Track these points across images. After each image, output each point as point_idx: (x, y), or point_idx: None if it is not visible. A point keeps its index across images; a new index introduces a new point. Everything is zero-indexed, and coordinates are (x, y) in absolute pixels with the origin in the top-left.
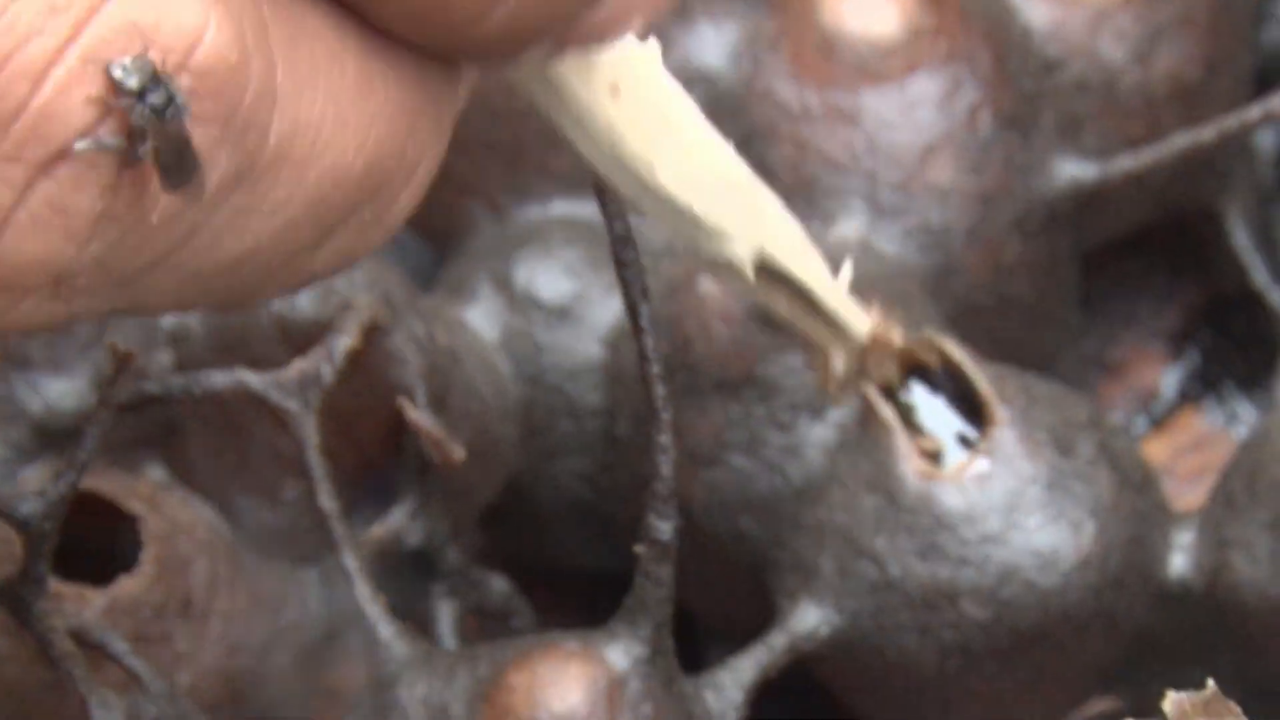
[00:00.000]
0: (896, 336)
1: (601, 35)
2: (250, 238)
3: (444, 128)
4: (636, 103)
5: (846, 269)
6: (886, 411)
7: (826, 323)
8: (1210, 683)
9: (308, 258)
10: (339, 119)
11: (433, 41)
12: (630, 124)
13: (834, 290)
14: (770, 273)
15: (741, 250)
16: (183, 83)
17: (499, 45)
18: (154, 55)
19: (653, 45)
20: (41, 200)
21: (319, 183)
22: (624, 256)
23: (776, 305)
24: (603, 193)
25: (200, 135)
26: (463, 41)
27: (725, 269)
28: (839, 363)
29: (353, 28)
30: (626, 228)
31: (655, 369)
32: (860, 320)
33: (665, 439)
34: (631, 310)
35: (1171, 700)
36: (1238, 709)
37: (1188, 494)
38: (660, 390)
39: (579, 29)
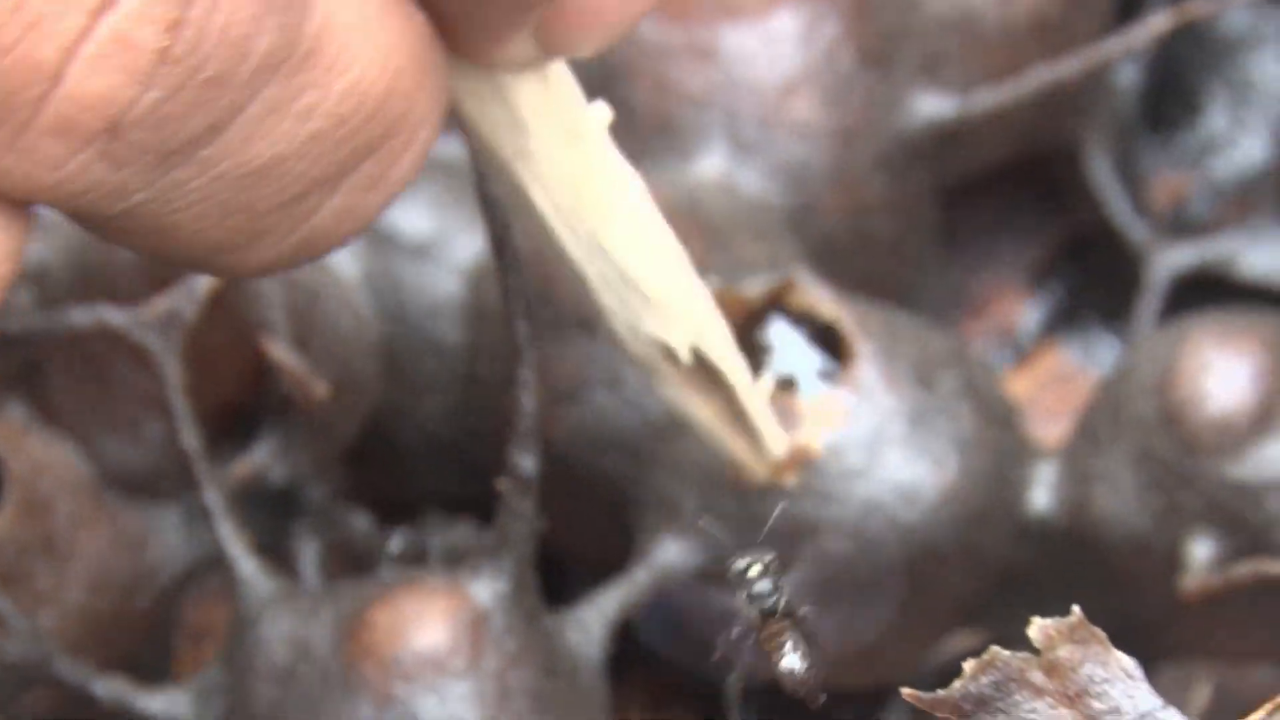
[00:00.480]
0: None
1: (583, 33)
2: (279, 142)
3: (442, 102)
4: (593, 153)
5: (766, 380)
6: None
7: (744, 430)
8: (1076, 609)
9: (318, 202)
10: (366, 35)
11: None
12: (585, 174)
13: (757, 398)
14: (703, 365)
15: (680, 334)
16: None
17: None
18: None
19: (602, 108)
20: (108, 32)
21: (344, 97)
22: (485, 190)
23: (691, 405)
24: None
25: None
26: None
27: (649, 355)
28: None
29: None
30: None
31: (518, 305)
32: (777, 436)
33: (528, 374)
34: (496, 245)
35: (1038, 627)
36: (1103, 635)
37: (1050, 429)
38: (523, 326)
39: (562, 23)
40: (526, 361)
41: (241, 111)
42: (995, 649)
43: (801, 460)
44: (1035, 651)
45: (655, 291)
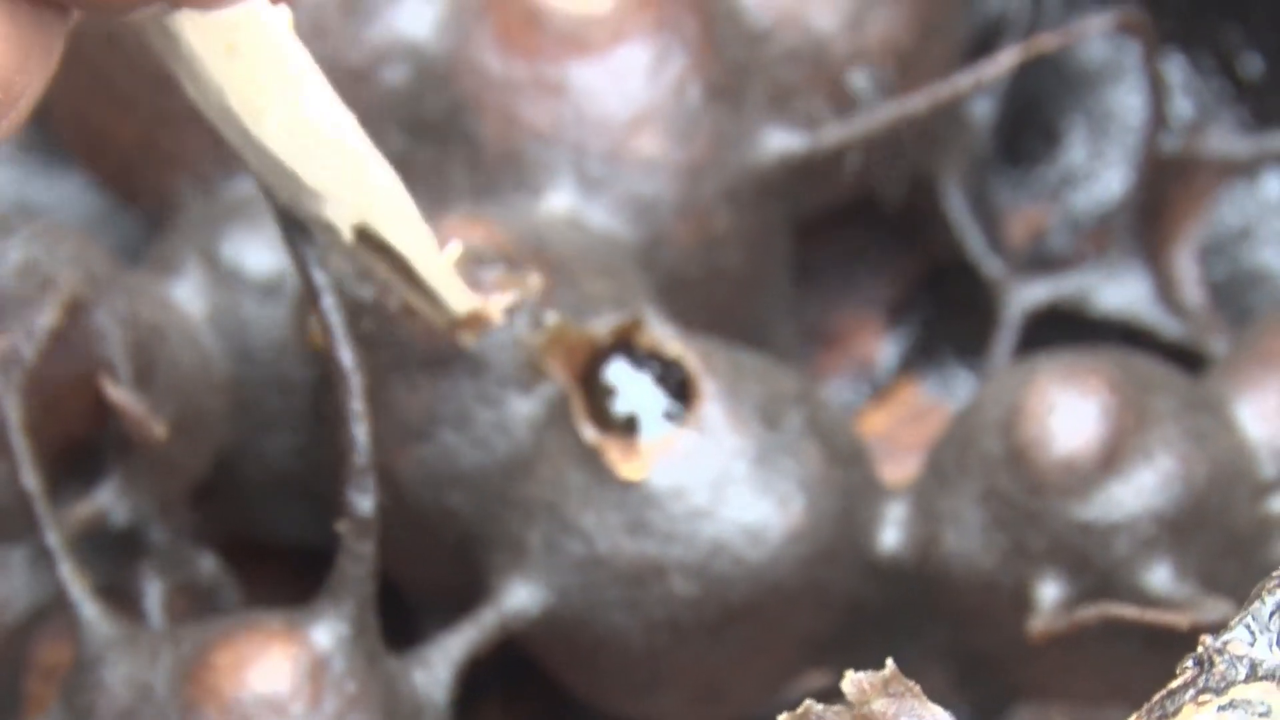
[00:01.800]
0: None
1: (216, 3)
2: None
3: (51, 60)
4: (251, 62)
5: (454, 246)
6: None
7: (424, 295)
8: (889, 662)
9: None
10: None
11: None
12: (241, 81)
13: (437, 266)
14: (371, 240)
15: (338, 213)
16: None
17: (111, 4)
18: None
19: (282, 10)
20: None
21: None
22: (284, 221)
23: (376, 270)
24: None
25: None
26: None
27: (317, 227)
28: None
29: None
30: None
31: (336, 333)
32: (462, 297)
33: (357, 405)
34: (302, 276)
35: (850, 680)
36: (917, 687)
37: (909, 465)
38: (345, 354)
39: None
40: (354, 391)
41: None
42: (809, 702)
43: (479, 325)
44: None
45: (312, 181)
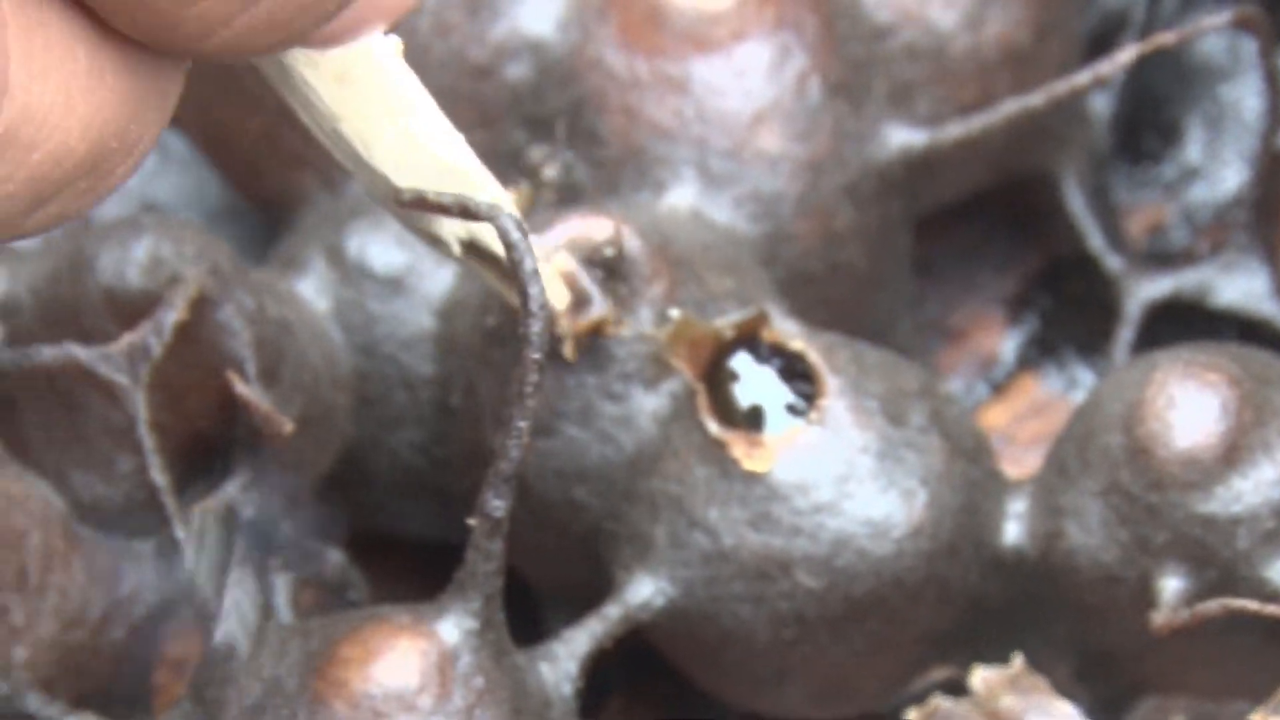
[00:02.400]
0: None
1: (333, 42)
2: None
3: (167, 107)
4: (362, 90)
5: (561, 256)
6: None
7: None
8: (1018, 657)
9: (20, 221)
10: (68, 106)
11: (161, 48)
12: (353, 108)
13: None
14: (478, 251)
15: (448, 229)
16: None
17: (225, 57)
18: None
19: (392, 40)
20: None
21: (40, 163)
22: (509, 238)
23: (486, 277)
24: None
25: None
26: (190, 53)
27: (432, 241)
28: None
29: (87, 24)
30: (515, 220)
31: (535, 354)
32: (564, 303)
33: (523, 424)
34: (521, 294)
35: (979, 677)
36: (1044, 683)
37: (1029, 460)
38: (534, 376)
39: (310, 39)
40: (524, 410)
41: None
42: (938, 699)
43: (584, 334)
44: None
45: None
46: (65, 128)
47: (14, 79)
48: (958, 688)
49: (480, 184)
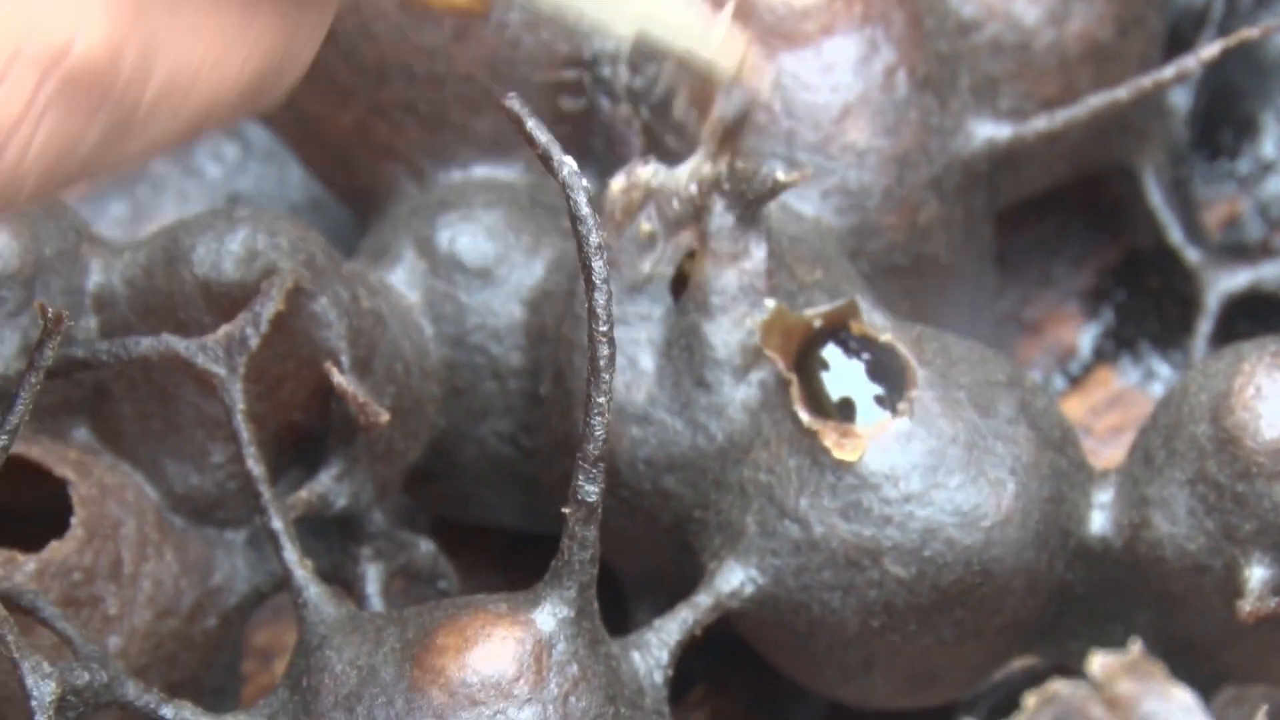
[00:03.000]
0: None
1: None
2: (132, 151)
3: (320, 31)
4: None
5: (723, 19)
6: (788, 376)
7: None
8: (1136, 643)
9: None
10: (222, 56)
11: None
12: None
13: (710, 47)
14: (648, 43)
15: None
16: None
17: None
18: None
19: None
20: None
21: (196, 109)
22: (579, 212)
23: (659, 69)
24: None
25: (70, 120)
26: None
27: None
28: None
29: None
30: (582, 184)
31: (603, 327)
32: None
33: (603, 400)
34: (584, 265)
35: (1098, 663)
36: (1163, 669)
37: (1105, 451)
38: (605, 351)
39: None
40: (601, 387)
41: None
42: (1056, 683)
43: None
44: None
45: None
46: (219, 75)
47: (163, 44)
48: (1039, 677)
49: None
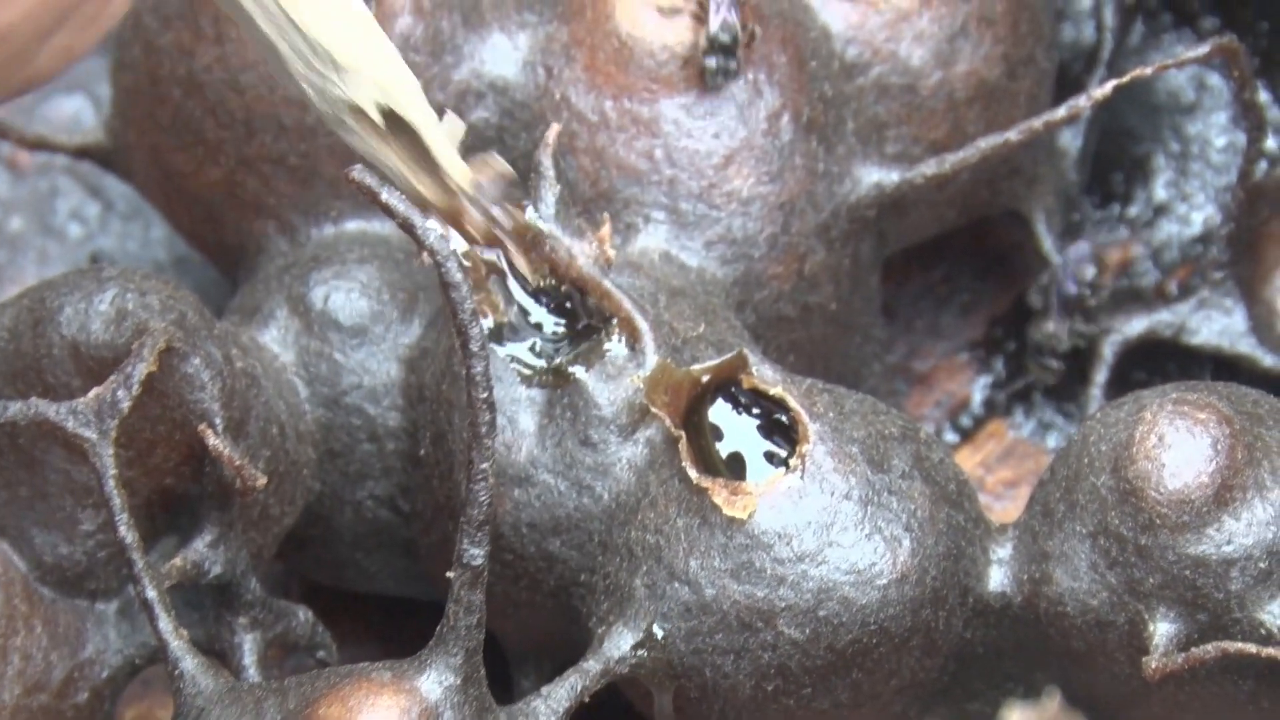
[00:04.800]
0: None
1: None
2: (12, 10)
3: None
4: None
5: (451, 119)
6: (677, 435)
7: (431, 172)
8: (1054, 694)
9: (33, 51)
10: None
11: None
12: None
13: (444, 142)
14: (393, 119)
15: (366, 92)
16: None
17: None
18: None
19: None
20: None
21: None
22: (450, 279)
23: (385, 156)
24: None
25: None
26: None
27: (337, 114)
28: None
29: None
30: (450, 249)
31: (483, 394)
32: (462, 172)
33: (486, 465)
34: (459, 331)
35: (1016, 715)
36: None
37: (1000, 506)
38: (486, 414)
39: None
40: (483, 451)
41: None
42: None
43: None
44: None
45: (344, 58)
46: None
47: None
48: None
49: (386, 45)
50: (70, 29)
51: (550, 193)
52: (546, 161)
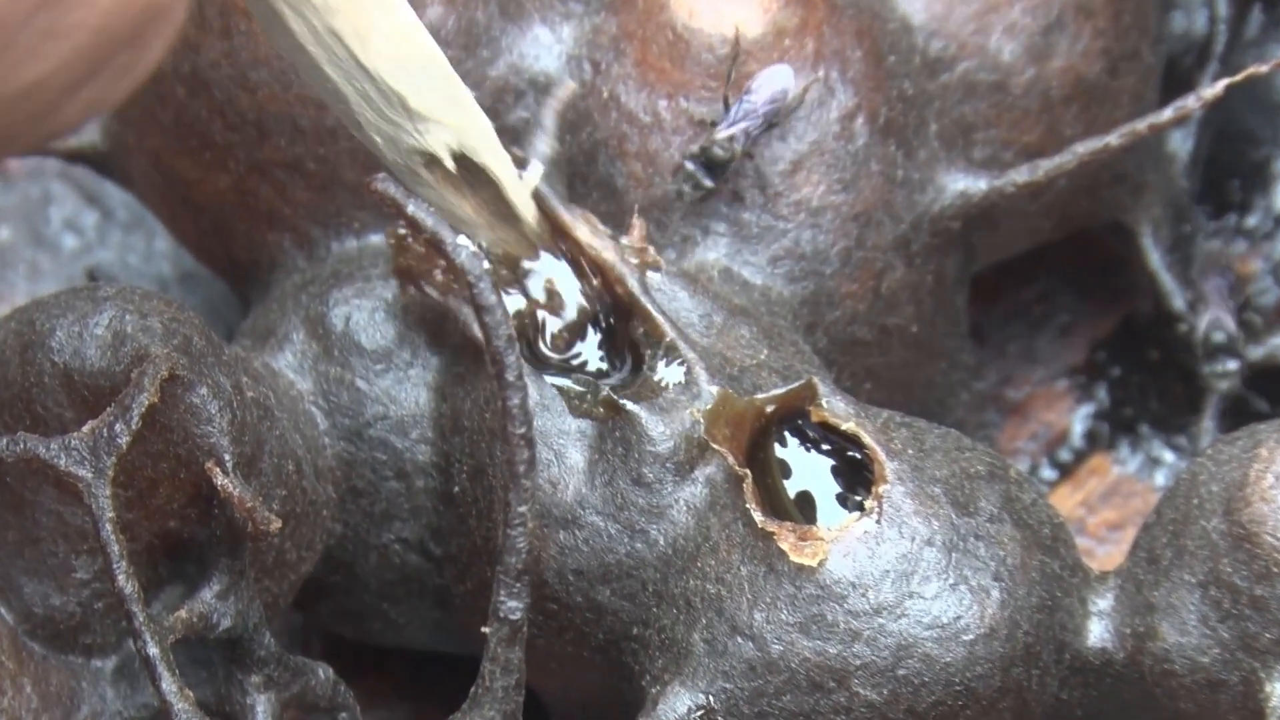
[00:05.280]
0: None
1: None
2: (46, 63)
3: None
4: None
5: (535, 168)
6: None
7: (511, 224)
8: None
9: (63, 105)
10: None
11: None
12: (346, 5)
13: (520, 188)
14: (468, 165)
15: (441, 139)
16: None
17: None
18: None
19: None
20: None
21: (106, 9)
22: (484, 301)
23: (460, 209)
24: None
25: None
26: None
27: (409, 165)
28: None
29: None
30: (484, 267)
31: (520, 429)
32: (535, 214)
33: (524, 509)
34: (495, 362)
35: None
36: None
37: (1102, 551)
38: (523, 455)
39: None
40: (521, 493)
41: (15, 43)
42: None
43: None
44: None
45: (417, 104)
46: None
47: None
48: None
49: (460, 89)
50: (102, 80)
51: (545, 146)
52: (550, 120)
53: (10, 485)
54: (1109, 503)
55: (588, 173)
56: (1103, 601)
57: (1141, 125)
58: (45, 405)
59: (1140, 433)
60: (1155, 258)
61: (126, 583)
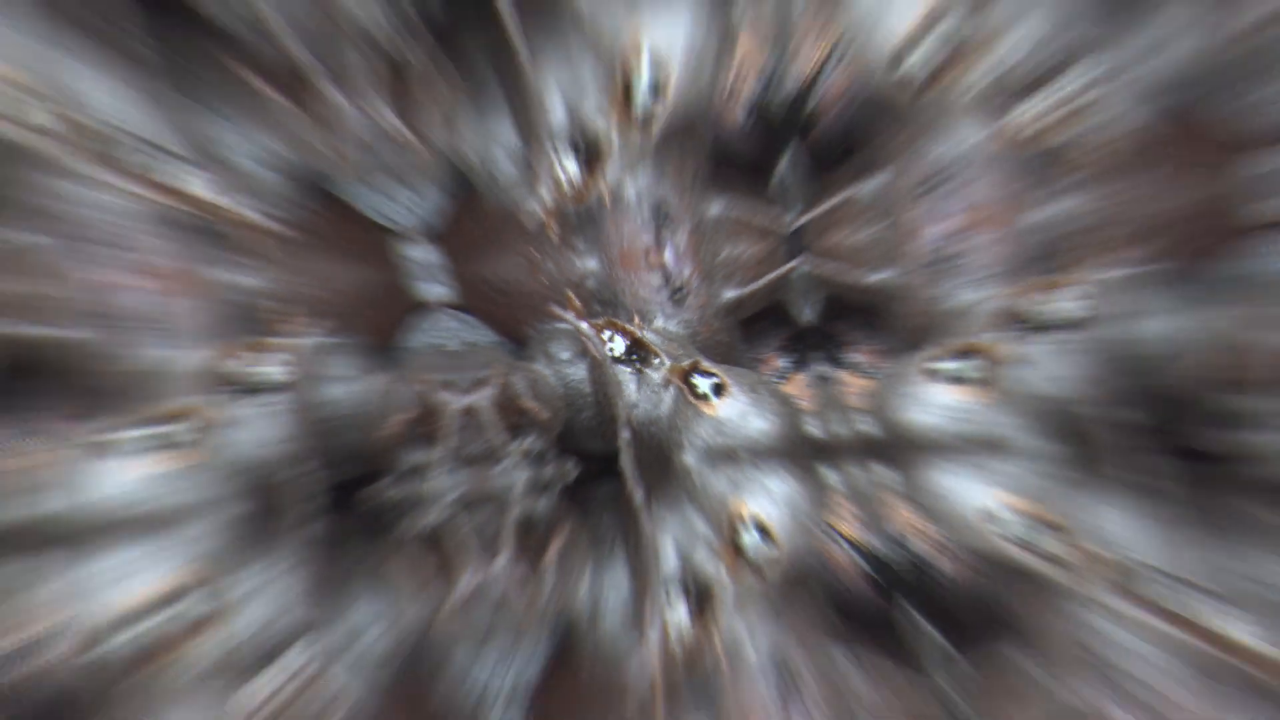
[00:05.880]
0: None
1: None
2: None
3: None
4: None
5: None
6: None
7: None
8: None
9: None
10: None
11: None
12: None
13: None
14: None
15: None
16: None
17: None
18: None
19: None
20: None
21: None
22: (592, 342)
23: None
24: None
25: None
26: None
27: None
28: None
29: None
30: (593, 333)
31: (615, 377)
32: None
33: (621, 402)
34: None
35: None
36: None
37: None
38: (619, 387)
39: None
40: (621, 398)
41: None
42: None
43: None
44: None
45: None
46: None
47: None
48: None
49: None
50: None
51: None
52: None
53: None
54: None
55: None
56: None
57: None
58: None
59: None
60: None
61: None
